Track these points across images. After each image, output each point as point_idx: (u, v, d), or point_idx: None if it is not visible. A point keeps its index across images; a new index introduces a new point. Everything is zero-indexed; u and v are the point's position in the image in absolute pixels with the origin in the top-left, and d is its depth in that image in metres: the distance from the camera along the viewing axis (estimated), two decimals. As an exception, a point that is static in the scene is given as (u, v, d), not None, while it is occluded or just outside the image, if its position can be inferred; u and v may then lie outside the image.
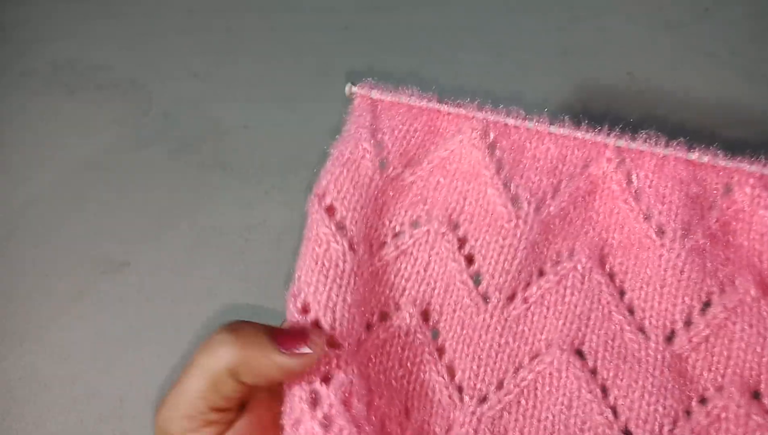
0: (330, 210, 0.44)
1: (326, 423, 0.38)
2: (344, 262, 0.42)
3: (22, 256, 0.79)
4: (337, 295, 0.41)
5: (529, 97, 0.84)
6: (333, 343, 0.40)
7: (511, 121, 0.45)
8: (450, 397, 0.43)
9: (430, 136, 0.47)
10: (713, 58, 0.87)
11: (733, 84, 0.84)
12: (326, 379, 0.39)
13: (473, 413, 0.42)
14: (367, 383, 0.42)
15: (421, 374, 0.43)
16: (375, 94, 0.47)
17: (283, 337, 0.38)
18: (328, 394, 0.39)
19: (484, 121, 0.46)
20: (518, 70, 0.88)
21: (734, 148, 0.44)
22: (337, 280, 0.42)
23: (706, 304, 0.43)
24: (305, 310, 0.41)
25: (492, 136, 0.46)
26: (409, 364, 0.43)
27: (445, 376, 0.43)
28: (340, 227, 0.43)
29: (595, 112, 0.84)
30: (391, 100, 0.46)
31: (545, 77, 0.87)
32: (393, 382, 0.43)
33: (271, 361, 0.36)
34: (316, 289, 0.41)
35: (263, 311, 0.75)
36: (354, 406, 0.39)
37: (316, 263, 0.42)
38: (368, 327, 0.43)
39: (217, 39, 0.95)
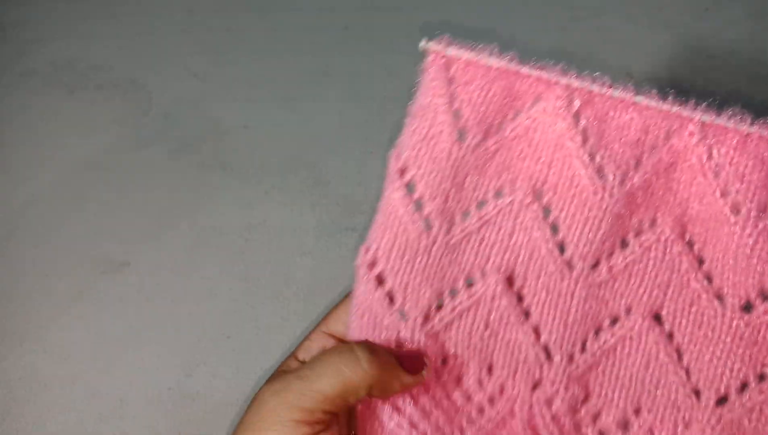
0: (410, 187, 0.46)
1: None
2: (419, 241, 0.46)
3: (22, 256, 0.79)
4: (410, 274, 0.46)
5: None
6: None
7: (596, 89, 0.45)
8: (537, 355, 0.46)
9: (508, 100, 0.46)
10: (713, 58, 0.87)
11: (733, 84, 0.85)
12: (399, 345, 0.46)
13: (564, 371, 0.46)
14: (442, 346, 0.46)
15: (507, 334, 0.46)
16: (451, 51, 0.46)
17: (407, 360, 0.44)
18: None
19: (568, 88, 0.45)
20: (518, 70, 0.88)
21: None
22: (412, 258, 0.46)
23: None
24: (380, 280, 0.46)
25: (577, 104, 0.45)
26: (496, 325, 0.46)
27: (532, 336, 0.46)
28: (419, 207, 0.46)
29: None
30: (468, 59, 0.46)
31: (545, 77, 0.87)
32: (479, 341, 0.46)
33: (398, 381, 0.42)
34: (393, 265, 0.46)
35: (263, 311, 0.75)
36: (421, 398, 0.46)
37: (394, 241, 0.46)
38: (453, 293, 0.46)
39: (217, 39, 0.95)
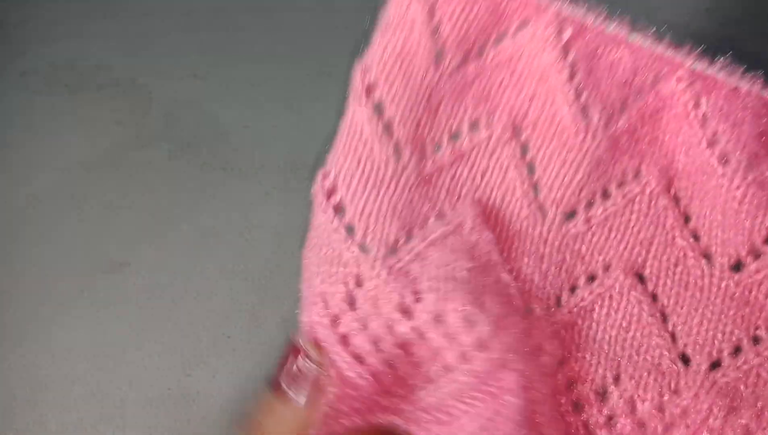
0: (378, 107, 0.41)
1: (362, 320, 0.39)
2: (386, 167, 0.41)
3: (22, 256, 0.79)
4: (374, 203, 0.40)
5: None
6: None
7: (590, 21, 0.41)
8: (520, 298, 0.41)
9: (492, 20, 0.42)
10: (713, 58, 0.87)
11: (734, 84, 0.84)
12: (359, 283, 0.40)
13: (547, 320, 0.41)
14: (411, 283, 0.39)
15: (492, 276, 0.41)
16: None
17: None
18: (359, 296, 0.40)
19: (560, 15, 0.41)
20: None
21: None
22: (377, 185, 0.41)
23: None
24: (339, 210, 0.41)
25: (568, 34, 0.41)
26: (478, 265, 0.41)
27: (510, 279, 0.41)
28: (387, 129, 0.41)
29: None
30: None
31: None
32: (465, 281, 0.40)
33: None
34: (355, 192, 0.40)
35: (263, 311, 0.75)
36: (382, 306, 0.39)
37: (358, 166, 0.41)
38: (428, 228, 0.41)
39: (217, 39, 0.95)
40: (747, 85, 0.41)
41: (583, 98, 0.42)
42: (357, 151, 0.41)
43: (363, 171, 0.41)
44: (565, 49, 0.41)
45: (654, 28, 0.43)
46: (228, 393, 0.70)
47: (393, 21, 0.42)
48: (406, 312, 0.39)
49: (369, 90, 0.41)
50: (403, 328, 0.39)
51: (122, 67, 0.93)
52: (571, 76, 0.41)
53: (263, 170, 0.84)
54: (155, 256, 0.78)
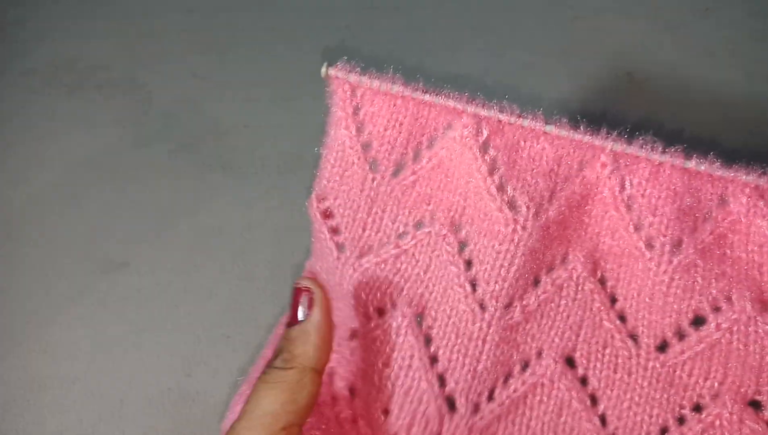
0: (328, 215, 0.46)
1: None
2: (334, 260, 0.45)
3: (21, 256, 0.79)
4: (329, 283, 0.45)
5: (527, 96, 0.84)
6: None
7: (505, 119, 0.43)
8: (439, 409, 0.42)
9: (419, 128, 0.45)
10: (713, 58, 0.87)
11: (733, 84, 0.84)
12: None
13: (467, 424, 0.42)
14: (354, 374, 0.43)
15: (409, 380, 0.42)
16: (352, 79, 0.46)
17: (289, 317, 0.43)
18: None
19: (476, 116, 0.43)
20: (517, 70, 0.88)
21: (733, 156, 0.42)
22: (329, 273, 0.45)
23: (697, 321, 0.42)
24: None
25: (485, 133, 0.43)
26: (396, 367, 0.43)
27: (436, 386, 0.42)
28: (336, 232, 0.46)
29: (594, 113, 0.84)
30: (372, 87, 0.46)
31: (544, 77, 0.87)
32: (379, 380, 0.42)
33: (305, 344, 0.41)
34: (319, 274, 0.46)
35: (263, 311, 0.75)
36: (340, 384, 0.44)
37: (321, 250, 0.46)
38: (368, 319, 0.44)
39: (217, 39, 0.95)
40: (667, 160, 0.42)
41: (508, 192, 0.43)
42: (318, 241, 0.47)
43: (322, 257, 0.46)
44: (485, 147, 0.43)
45: (567, 118, 0.44)
46: (228, 393, 0.70)
47: (330, 141, 0.47)
48: (335, 398, 0.43)
49: (319, 199, 0.46)
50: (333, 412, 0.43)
51: (122, 66, 0.93)
52: (491, 172, 0.43)
53: (263, 170, 0.84)
54: (155, 256, 0.78)
